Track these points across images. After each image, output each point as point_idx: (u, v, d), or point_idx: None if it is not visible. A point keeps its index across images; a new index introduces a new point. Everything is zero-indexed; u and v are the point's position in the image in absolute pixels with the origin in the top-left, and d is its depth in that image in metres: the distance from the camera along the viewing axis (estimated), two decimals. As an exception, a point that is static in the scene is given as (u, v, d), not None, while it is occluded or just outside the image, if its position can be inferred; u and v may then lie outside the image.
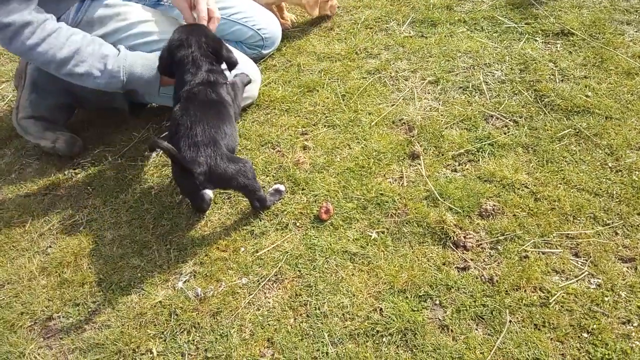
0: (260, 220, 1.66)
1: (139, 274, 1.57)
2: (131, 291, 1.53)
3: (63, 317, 1.49)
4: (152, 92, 1.87)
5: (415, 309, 1.35)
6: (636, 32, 2.03)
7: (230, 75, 1.83)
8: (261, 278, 1.50)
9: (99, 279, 1.57)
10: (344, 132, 1.91)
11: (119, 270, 1.59)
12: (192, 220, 1.72)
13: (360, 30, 2.40)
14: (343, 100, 2.06)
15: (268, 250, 1.57)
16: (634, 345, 1.20)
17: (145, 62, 1.77)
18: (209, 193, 1.73)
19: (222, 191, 1.76)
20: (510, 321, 1.28)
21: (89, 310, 1.49)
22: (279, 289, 1.48)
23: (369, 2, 2.57)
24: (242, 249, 1.60)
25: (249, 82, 1.91)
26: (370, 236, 1.55)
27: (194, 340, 1.39)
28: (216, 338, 1.39)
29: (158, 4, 2.06)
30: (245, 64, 1.99)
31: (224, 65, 1.76)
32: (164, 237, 1.68)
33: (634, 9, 2.13)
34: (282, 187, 1.72)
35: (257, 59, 2.25)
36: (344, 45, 2.34)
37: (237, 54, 1.94)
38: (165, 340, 1.39)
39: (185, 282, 1.54)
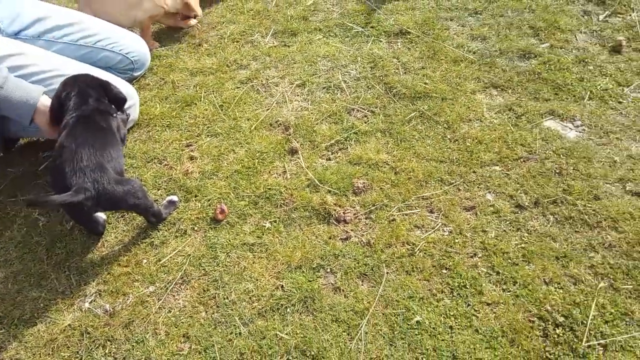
0: (159, 231, 1.75)
1: (41, 304, 1.57)
2: (36, 322, 1.53)
3: (-37, 362, 1.44)
4: (23, 122, 1.83)
5: (311, 279, 1.55)
6: (458, 26, 2.47)
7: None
8: (168, 283, 1.60)
9: (-2, 317, 1.54)
10: (227, 139, 2.07)
11: (19, 305, 1.57)
12: (88, 243, 1.75)
13: (228, 44, 2.57)
14: (221, 110, 2.21)
15: (170, 257, 1.67)
16: (480, 271, 1.53)
17: (23, 94, 1.74)
18: (101, 215, 1.76)
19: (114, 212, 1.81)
20: (387, 272, 1.54)
21: (-8, 349, 1.46)
22: (187, 289, 1.59)
23: (232, 17, 2.74)
24: (145, 260, 1.67)
25: (128, 118, 1.98)
26: (265, 226, 1.73)
27: (110, 352, 1.45)
28: (132, 346, 1.46)
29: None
30: (122, 86, 2.05)
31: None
32: (60, 265, 1.69)
33: (454, 7, 2.57)
34: (175, 198, 1.82)
35: (129, 81, 2.30)
36: (215, 59, 2.48)
37: (111, 76, 2.00)
38: (81, 359, 1.43)
39: (91, 302, 1.58)
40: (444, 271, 1.54)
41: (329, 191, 1.81)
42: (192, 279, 1.61)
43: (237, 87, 2.31)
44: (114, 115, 1.76)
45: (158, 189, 1.89)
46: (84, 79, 1.76)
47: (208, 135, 2.09)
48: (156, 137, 2.10)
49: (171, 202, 1.81)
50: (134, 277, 1.62)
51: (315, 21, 2.63)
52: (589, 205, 1.64)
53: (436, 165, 1.86)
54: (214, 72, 2.41)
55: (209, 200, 1.83)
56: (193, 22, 2.70)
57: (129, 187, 1.55)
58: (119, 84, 2.07)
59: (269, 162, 1.95)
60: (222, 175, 1.91)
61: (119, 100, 1.81)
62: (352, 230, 1.69)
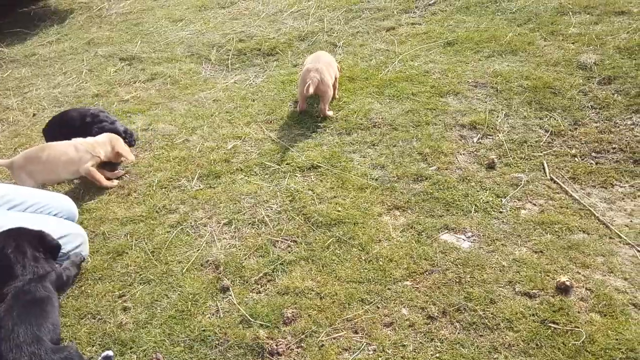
0: (94, 391, 1.75)
1: None
2: None
3: None
4: None
5: (250, 419, 1.62)
6: (360, 157, 2.85)
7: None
8: None
9: None
10: (159, 285, 2.17)
11: None
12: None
13: (156, 191, 2.76)
14: (153, 256, 2.33)
15: (108, 417, 1.67)
16: (405, 385, 1.68)
17: None
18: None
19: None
20: (321, 400, 1.65)
21: None
22: None
23: (158, 165, 2.97)
24: None
25: (82, 260, 2.07)
26: (201, 370, 1.79)
27: None
28: None
29: None
30: (68, 227, 2.15)
31: None
32: None
33: (355, 141, 2.98)
34: (110, 353, 1.86)
35: None
36: (144, 207, 2.65)
37: (57, 221, 2.11)
38: None
39: None
40: (373, 390, 1.68)
41: (261, 325, 1.94)
42: None
43: (167, 232, 2.46)
44: (53, 271, 1.85)
45: (93, 346, 1.92)
46: (17, 232, 1.86)
47: (140, 283, 2.19)
48: (88, 291, 2.16)
49: (107, 358, 1.84)
50: None
51: (236, 162, 2.92)
52: (487, 309, 1.90)
53: (356, 287, 2.07)
54: (144, 219, 2.56)
55: (144, 351, 1.88)
56: (115, 182, 2.87)
57: (66, 354, 1.60)
58: (65, 226, 2.17)
59: (202, 302, 2.07)
60: (157, 323, 1.99)
61: (54, 249, 1.94)
62: (285, 361, 1.80)
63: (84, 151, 2.68)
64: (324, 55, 3.28)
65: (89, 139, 2.77)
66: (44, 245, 1.91)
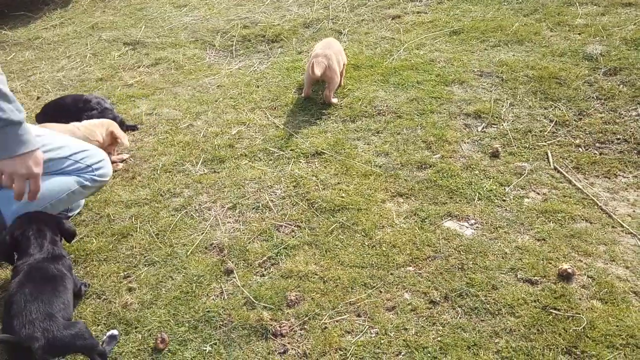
0: (100, 369, 1.77)
1: None
2: None
3: None
4: None
5: (254, 397, 1.64)
6: (364, 144, 2.86)
7: None
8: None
9: None
10: (164, 267, 2.18)
11: None
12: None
13: (161, 174, 2.77)
14: (157, 238, 2.34)
15: (113, 394, 1.69)
16: (406, 367, 1.70)
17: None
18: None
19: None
20: (324, 380, 1.68)
21: None
22: None
23: (163, 149, 2.98)
24: (87, 401, 1.68)
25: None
26: (205, 350, 1.82)
27: None
28: None
29: None
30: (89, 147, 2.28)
31: None
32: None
33: (359, 128, 2.98)
34: (115, 332, 1.88)
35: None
36: (149, 190, 2.66)
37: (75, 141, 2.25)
38: None
39: None
40: (375, 372, 1.70)
41: (265, 307, 1.96)
42: (136, 414, 1.63)
43: (172, 215, 2.48)
44: (67, 256, 1.89)
45: (98, 325, 1.94)
46: (38, 217, 1.89)
47: (145, 265, 2.20)
48: (94, 272, 2.18)
49: (112, 337, 1.86)
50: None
51: (240, 147, 2.93)
52: (489, 295, 1.91)
53: (359, 271, 2.09)
54: (148, 202, 2.57)
55: (149, 331, 1.90)
56: (120, 166, 2.87)
57: (77, 330, 1.62)
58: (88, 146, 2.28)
59: (206, 284, 2.08)
60: (161, 304, 2.01)
61: (70, 236, 2.01)
62: (289, 343, 1.82)
63: (82, 135, 2.67)
64: (334, 42, 3.27)
65: (86, 123, 2.76)
66: (61, 230, 1.96)
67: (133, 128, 3.19)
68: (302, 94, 3.28)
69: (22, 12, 5.61)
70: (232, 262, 2.18)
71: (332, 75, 3.06)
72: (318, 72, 2.97)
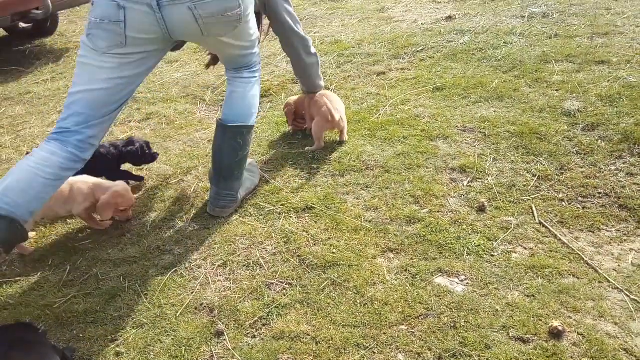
0: None
1: None
2: None
3: None
4: None
5: None
6: (353, 199, 2.90)
7: None
8: None
9: None
10: (152, 329, 2.14)
11: None
12: None
13: (150, 231, 2.76)
14: (146, 298, 2.31)
15: None
16: None
17: None
18: None
19: None
20: None
21: None
22: None
23: (153, 205, 2.98)
24: None
25: None
26: (195, 419, 1.76)
27: None
28: None
29: None
30: None
31: None
32: None
33: (348, 183, 3.03)
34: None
35: None
36: (138, 248, 2.64)
37: None
38: None
39: None
40: None
41: (257, 371, 1.92)
42: None
43: (162, 274, 2.45)
44: None
45: (83, 393, 1.88)
46: None
47: (134, 327, 2.16)
48: (80, 335, 2.13)
49: (97, 407, 1.80)
50: None
51: (231, 203, 2.94)
52: (483, 354, 1.91)
53: (352, 331, 2.07)
54: (137, 260, 2.55)
55: (137, 399, 1.84)
56: (108, 223, 2.85)
57: None
58: None
59: (196, 348, 2.04)
60: (150, 369, 1.96)
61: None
62: (281, 409, 1.78)
63: (78, 190, 2.68)
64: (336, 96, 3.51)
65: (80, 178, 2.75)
66: None
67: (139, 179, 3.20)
68: (313, 148, 3.37)
69: (14, 67, 5.70)
70: (223, 323, 2.15)
71: (344, 125, 3.38)
72: (337, 116, 3.24)
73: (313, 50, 3.32)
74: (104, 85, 2.31)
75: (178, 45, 2.77)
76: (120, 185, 2.74)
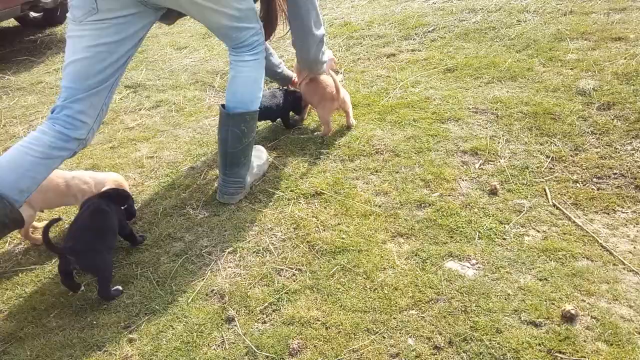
0: None
1: None
2: None
3: None
4: None
5: None
6: (363, 184, 2.88)
7: None
8: None
9: None
10: (164, 315, 2.17)
11: None
12: None
13: (161, 219, 2.78)
14: (158, 286, 2.33)
15: None
16: (412, 418, 1.67)
17: None
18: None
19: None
20: None
21: None
22: None
23: (164, 193, 3.00)
24: None
25: None
26: (207, 404, 1.79)
27: None
28: None
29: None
30: None
31: None
32: None
33: (358, 168, 3.01)
34: (115, 385, 1.85)
35: None
36: (149, 235, 2.66)
37: None
38: None
39: None
40: (380, 423, 1.66)
41: (267, 356, 1.93)
42: None
43: (173, 261, 2.47)
44: None
45: (97, 379, 1.92)
46: None
47: (146, 314, 2.19)
48: (94, 322, 2.16)
49: (111, 391, 1.83)
50: None
51: (240, 189, 2.94)
52: (494, 338, 1.89)
53: (361, 316, 2.07)
54: (149, 247, 2.57)
55: (150, 384, 1.87)
56: None
57: None
58: None
59: (207, 333, 2.06)
60: (162, 355, 1.98)
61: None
62: (291, 394, 1.79)
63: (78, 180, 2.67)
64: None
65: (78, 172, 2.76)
66: None
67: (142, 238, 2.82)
68: (322, 133, 3.32)
69: (25, 57, 5.74)
70: (233, 309, 2.16)
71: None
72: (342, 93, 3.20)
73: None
74: (85, 54, 2.33)
75: (168, 17, 2.62)
76: (114, 174, 2.79)
